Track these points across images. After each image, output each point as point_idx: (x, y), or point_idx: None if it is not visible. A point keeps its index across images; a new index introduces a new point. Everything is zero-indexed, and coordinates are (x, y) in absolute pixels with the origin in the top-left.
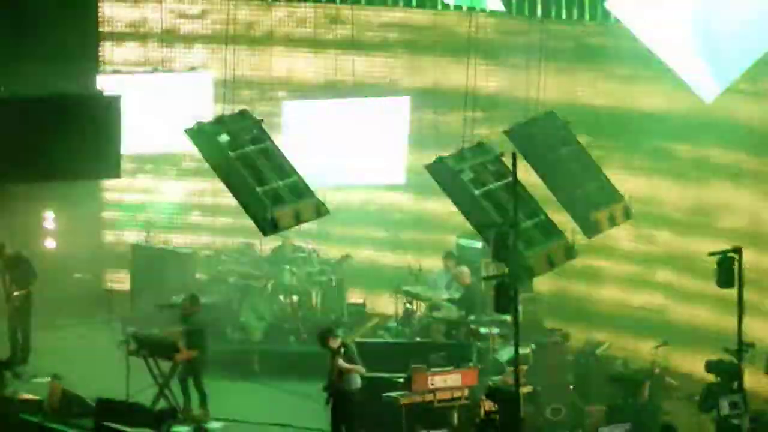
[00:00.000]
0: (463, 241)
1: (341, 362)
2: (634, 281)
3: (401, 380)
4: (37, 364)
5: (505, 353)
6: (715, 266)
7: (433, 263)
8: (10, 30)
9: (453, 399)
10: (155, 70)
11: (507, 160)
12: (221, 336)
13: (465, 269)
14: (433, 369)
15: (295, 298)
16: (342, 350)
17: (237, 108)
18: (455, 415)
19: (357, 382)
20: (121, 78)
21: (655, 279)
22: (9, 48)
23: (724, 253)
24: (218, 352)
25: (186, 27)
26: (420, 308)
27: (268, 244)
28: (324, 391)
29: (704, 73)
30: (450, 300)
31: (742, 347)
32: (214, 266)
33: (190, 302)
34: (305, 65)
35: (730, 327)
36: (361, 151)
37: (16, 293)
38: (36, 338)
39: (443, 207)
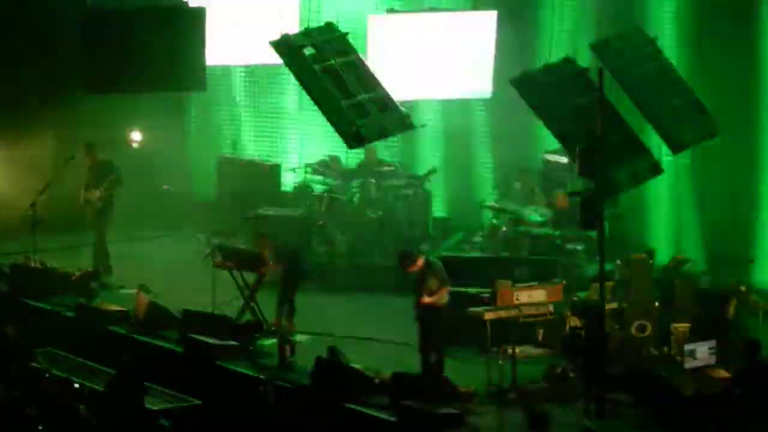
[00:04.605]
0: (549, 156)
1: (426, 296)
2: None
3: (486, 295)
4: (124, 275)
5: (591, 269)
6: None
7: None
8: None
9: (538, 314)
10: None
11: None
12: (306, 249)
13: (561, 193)
14: (518, 284)
15: (380, 212)
16: (428, 269)
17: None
18: (540, 331)
19: (445, 298)
20: None
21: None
22: None
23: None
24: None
25: None
26: (506, 223)
27: (353, 157)
28: (414, 308)
29: None
30: (541, 221)
31: None
32: (299, 179)
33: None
34: None
35: None
36: (446, 66)
37: (96, 197)
38: (122, 250)
39: (529, 122)
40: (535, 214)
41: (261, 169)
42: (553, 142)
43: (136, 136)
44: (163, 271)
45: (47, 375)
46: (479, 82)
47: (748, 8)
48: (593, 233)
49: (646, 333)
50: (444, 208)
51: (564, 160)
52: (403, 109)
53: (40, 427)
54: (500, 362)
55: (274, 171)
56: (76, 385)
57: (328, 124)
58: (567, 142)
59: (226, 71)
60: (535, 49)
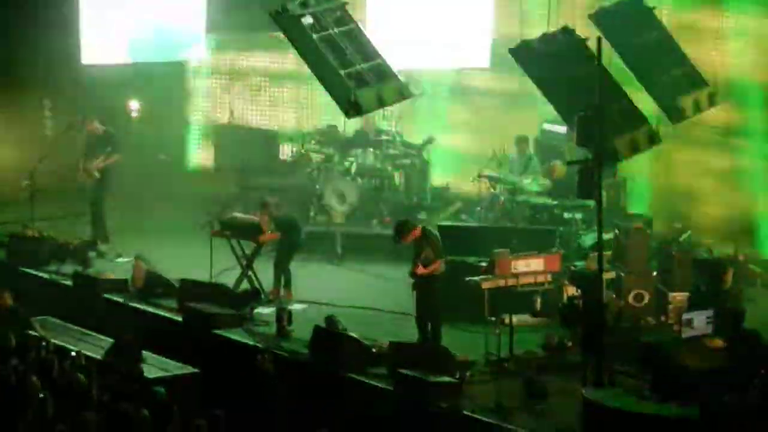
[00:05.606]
0: (548, 126)
1: (421, 266)
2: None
3: (484, 264)
4: (121, 244)
5: (588, 238)
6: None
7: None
8: None
9: (536, 284)
10: None
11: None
12: (305, 218)
13: (557, 163)
14: (516, 253)
15: (378, 181)
16: (424, 239)
17: None
18: (538, 300)
19: (441, 268)
20: None
21: None
22: None
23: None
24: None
25: None
26: (503, 192)
27: (351, 126)
28: (410, 276)
29: None
30: (539, 191)
31: None
32: (298, 147)
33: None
34: None
35: None
36: (444, 34)
37: (95, 167)
38: (120, 218)
39: (527, 90)
40: (533, 184)
41: (259, 137)
42: (551, 112)
43: (134, 105)
44: (160, 240)
45: (44, 343)
46: (478, 50)
47: None
48: (591, 202)
49: (644, 302)
50: (442, 177)
51: (562, 130)
52: (401, 78)
53: (41, 395)
54: (498, 331)
55: (272, 139)
56: (73, 353)
57: (327, 92)
58: (565, 112)
59: (224, 41)
60: (533, 18)
